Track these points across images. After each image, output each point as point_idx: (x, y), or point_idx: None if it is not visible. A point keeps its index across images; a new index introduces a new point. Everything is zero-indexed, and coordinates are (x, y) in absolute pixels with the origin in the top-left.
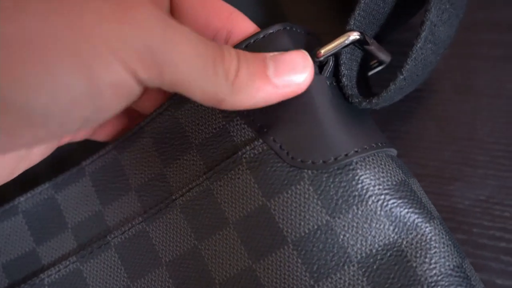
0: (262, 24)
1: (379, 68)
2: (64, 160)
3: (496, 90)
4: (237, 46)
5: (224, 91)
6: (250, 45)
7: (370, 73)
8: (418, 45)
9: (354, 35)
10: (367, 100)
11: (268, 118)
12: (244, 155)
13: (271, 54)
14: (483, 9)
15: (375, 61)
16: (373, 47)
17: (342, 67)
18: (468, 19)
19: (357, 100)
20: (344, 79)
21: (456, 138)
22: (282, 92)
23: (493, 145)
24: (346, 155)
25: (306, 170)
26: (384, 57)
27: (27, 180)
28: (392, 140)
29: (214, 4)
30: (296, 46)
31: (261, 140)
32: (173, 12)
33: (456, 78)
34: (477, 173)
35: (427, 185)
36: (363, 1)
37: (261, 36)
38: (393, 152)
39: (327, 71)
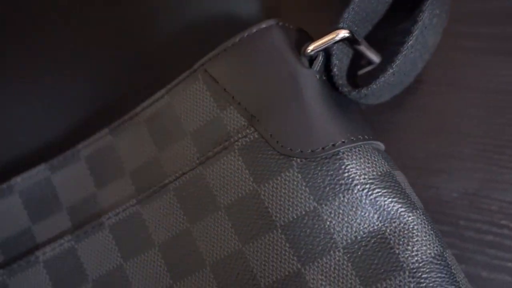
0: (255, 17)
1: (369, 68)
2: (59, 144)
3: (483, 84)
4: (230, 40)
5: None
6: (243, 39)
7: (360, 72)
8: (409, 43)
9: (343, 33)
10: (356, 90)
11: (260, 108)
12: (236, 143)
13: None
14: (473, 2)
15: (365, 60)
16: (363, 47)
17: (334, 58)
18: (458, 11)
19: (346, 90)
20: (335, 69)
21: (443, 130)
22: None
23: (480, 138)
24: (333, 145)
25: (295, 158)
26: (374, 57)
27: (24, 162)
28: (380, 132)
29: None
30: (286, 42)
31: (252, 129)
32: None
33: (444, 70)
34: (465, 166)
35: (415, 177)
36: None
37: (254, 30)
38: (380, 145)
39: (316, 65)
